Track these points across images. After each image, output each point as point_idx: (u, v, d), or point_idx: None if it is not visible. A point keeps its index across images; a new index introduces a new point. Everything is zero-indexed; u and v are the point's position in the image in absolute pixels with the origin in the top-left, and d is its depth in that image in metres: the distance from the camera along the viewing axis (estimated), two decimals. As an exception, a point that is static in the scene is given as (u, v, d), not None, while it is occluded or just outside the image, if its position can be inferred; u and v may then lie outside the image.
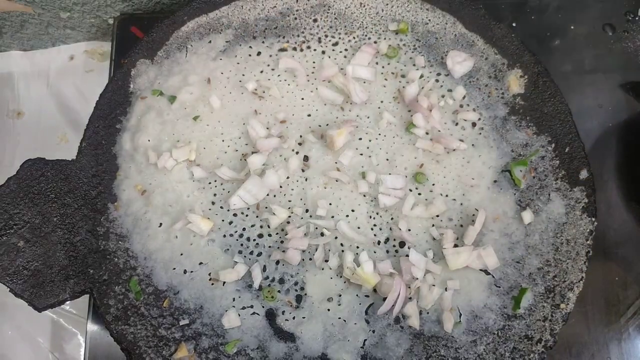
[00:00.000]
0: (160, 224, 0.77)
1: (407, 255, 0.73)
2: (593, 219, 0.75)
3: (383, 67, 0.85)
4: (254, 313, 0.74)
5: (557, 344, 0.72)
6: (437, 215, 0.77)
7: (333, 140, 0.77)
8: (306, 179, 0.79)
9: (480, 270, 0.75)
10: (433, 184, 0.78)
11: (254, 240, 0.77)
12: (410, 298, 0.73)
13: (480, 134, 0.81)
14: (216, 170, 0.78)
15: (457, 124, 0.81)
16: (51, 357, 1.00)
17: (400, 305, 0.71)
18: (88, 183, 0.79)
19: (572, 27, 0.96)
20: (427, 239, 0.76)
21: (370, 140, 0.81)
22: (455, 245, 0.75)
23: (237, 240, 0.77)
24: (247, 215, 0.78)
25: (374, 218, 0.77)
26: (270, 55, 0.86)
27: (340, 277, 0.75)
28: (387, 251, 0.76)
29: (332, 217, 0.77)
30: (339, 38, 0.86)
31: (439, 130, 0.80)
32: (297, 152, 0.80)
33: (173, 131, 0.81)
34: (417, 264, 0.72)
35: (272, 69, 0.85)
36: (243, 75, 0.84)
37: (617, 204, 0.88)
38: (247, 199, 0.76)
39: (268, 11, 0.88)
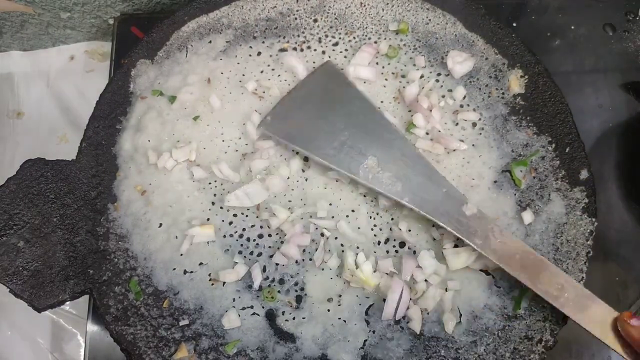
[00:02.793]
0: (160, 225, 0.77)
1: (408, 255, 0.73)
2: (593, 219, 0.75)
3: (383, 67, 0.85)
4: (254, 313, 0.74)
5: (558, 344, 0.71)
6: (438, 216, 0.77)
7: (333, 140, 0.77)
8: (306, 179, 0.79)
9: (481, 270, 0.74)
10: (433, 184, 0.78)
11: (254, 240, 0.77)
12: (412, 300, 0.72)
13: (480, 134, 0.81)
14: (215, 170, 0.78)
15: (457, 124, 0.81)
16: (51, 358, 1.00)
17: (404, 308, 0.71)
18: (88, 183, 0.79)
19: (572, 27, 0.96)
20: (427, 239, 0.76)
21: (370, 141, 0.81)
22: (456, 246, 0.75)
23: (237, 240, 0.77)
24: (247, 216, 0.78)
25: (374, 218, 0.77)
26: (271, 55, 0.85)
27: (340, 277, 0.75)
28: (387, 251, 0.76)
29: (332, 217, 0.77)
30: (339, 38, 0.86)
31: (439, 131, 0.80)
32: (297, 152, 0.80)
33: (173, 131, 0.81)
34: (426, 268, 0.72)
35: (272, 69, 0.85)
36: (243, 75, 0.84)
37: (617, 204, 0.88)
38: (245, 200, 0.76)
39: (268, 11, 0.88)
